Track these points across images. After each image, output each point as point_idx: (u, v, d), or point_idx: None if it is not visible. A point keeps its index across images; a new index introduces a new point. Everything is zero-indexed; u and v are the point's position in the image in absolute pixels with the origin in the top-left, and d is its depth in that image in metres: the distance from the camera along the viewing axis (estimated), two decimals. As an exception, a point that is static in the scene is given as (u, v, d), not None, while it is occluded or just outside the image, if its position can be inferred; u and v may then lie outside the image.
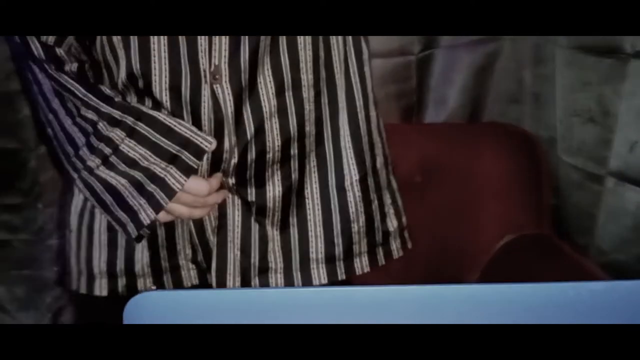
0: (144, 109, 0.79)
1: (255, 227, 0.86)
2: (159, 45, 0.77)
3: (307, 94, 0.83)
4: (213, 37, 0.77)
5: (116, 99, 0.80)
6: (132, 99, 0.82)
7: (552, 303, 0.55)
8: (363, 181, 0.89)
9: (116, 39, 0.79)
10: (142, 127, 0.78)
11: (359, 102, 0.88)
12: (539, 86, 1.28)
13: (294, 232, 0.87)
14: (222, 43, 0.77)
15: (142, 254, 0.87)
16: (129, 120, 0.78)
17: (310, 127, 0.85)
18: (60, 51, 0.82)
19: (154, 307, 0.56)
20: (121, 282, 0.88)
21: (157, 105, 0.80)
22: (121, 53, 0.79)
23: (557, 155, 1.23)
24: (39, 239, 1.31)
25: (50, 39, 0.81)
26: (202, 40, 0.77)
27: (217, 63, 0.78)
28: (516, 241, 1.21)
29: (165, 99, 0.79)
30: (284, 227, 0.87)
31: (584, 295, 0.55)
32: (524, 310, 0.55)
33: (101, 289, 0.88)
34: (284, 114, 0.82)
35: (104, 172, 0.79)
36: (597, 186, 1.14)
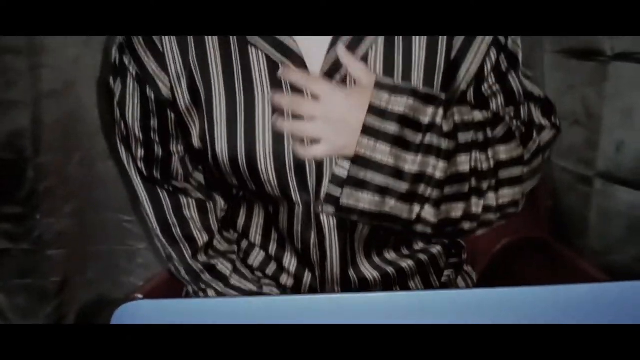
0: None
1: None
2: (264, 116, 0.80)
3: None
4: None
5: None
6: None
7: (549, 306, 0.57)
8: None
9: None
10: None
11: None
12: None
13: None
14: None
15: None
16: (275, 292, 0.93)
17: None
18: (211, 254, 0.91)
19: (140, 315, 0.57)
20: None
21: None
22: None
23: (550, 158, 1.21)
24: (38, 249, 1.32)
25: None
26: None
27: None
28: (513, 244, 1.20)
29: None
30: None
31: (579, 297, 0.56)
32: (521, 313, 0.56)
33: None
34: None
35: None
36: (586, 188, 1.14)
